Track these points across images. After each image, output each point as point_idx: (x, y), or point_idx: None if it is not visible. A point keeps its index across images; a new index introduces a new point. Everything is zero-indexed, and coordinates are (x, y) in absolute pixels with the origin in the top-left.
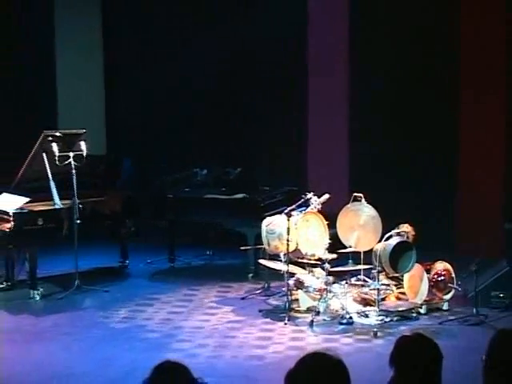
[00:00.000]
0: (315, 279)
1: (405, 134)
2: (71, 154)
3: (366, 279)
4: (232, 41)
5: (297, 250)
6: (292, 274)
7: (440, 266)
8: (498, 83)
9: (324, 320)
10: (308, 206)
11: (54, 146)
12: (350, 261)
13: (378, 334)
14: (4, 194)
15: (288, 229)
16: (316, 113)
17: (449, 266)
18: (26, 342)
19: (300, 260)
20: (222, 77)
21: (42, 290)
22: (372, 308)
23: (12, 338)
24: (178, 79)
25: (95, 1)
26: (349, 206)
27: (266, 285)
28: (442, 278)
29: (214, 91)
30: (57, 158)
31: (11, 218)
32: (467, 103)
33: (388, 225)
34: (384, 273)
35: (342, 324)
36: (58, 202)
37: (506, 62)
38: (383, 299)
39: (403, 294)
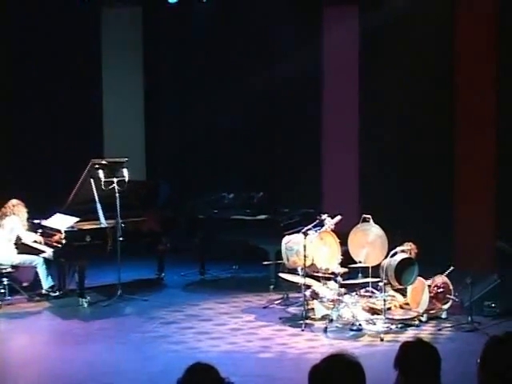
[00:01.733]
0: (329, 291)
1: (407, 167)
2: (115, 180)
3: (374, 291)
4: (259, 84)
5: (313, 264)
6: (308, 286)
7: (439, 279)
8: (491, 124)
9: (336, 327)
10: (323, 226)
11: (101, 173)
12: (360, 274)
13: (385, 339)
14: (57, 214)
15: (305, 246)
16: (329, 146)
17: (447, 280)
18: (75, 343)
19: (315, 274)
20: (249, 115)
21: (89, 298)
22: (379, 316)
23: (63, 339)
24: (210, 116)
25: (137, 41)
26: (359, 226)
27: (286, 295)
28: (441, 289)
29: (242, 128)
30: (103, 183)
31: (63, 235)
32: (463, 140)
33: (393, 242)
34: (390, 285)
35: (352, 330)
36: (103, 222)
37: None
38: (389, 308)
39: (407, 304)
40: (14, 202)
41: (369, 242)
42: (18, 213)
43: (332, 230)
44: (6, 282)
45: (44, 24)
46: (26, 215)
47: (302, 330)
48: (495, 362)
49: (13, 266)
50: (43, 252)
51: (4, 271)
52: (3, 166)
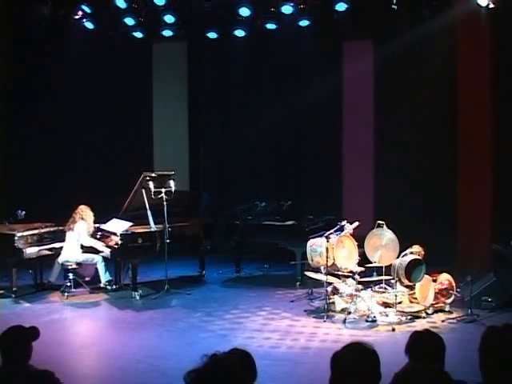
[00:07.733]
0: (347, 287)
1: (415, 181)
2: (163, 190)
3: (387, 287)
4: (288, 108)
5: (334, 264)
6: (330, 283)
7: (443, 277)
8: (488, 138)
9: (354, 318)
10: (342, 230)
11: (151, 184)
12: (375, 273)
13: (396, 329)
14: (114, 220)
15: (327, 248)
16: (348, 162)
17: (450, 277)
18: (129, 330)
19: (336, 272)
20: (278, 135)
21: (140, 291)
22: (391, 309)
23: (118, 326)
24: (244, 136)
25: (183, 71)
26: (374, 230)
27: (310, 291)
28: (445, 286)
29: (272, 145)
30: (152, 193)
31: (119, 238)
32: (465, 167)
33: (404, 244)
34: (400, 282)
35: (367, 321)
36: (153, 226)
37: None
38: (400, 302)
39: (415, 298)
40: (82, 207)
41: (383, 244)
42: (85, 217)
43: (351, 235)
44: (71, 277)
45: (108, 58)
46: (92, 218)
47: (324, 321)
48: (494, 348)
49: (77, 263)
50: (102, 251)
51: (70, 267)
52: (71, 178)
